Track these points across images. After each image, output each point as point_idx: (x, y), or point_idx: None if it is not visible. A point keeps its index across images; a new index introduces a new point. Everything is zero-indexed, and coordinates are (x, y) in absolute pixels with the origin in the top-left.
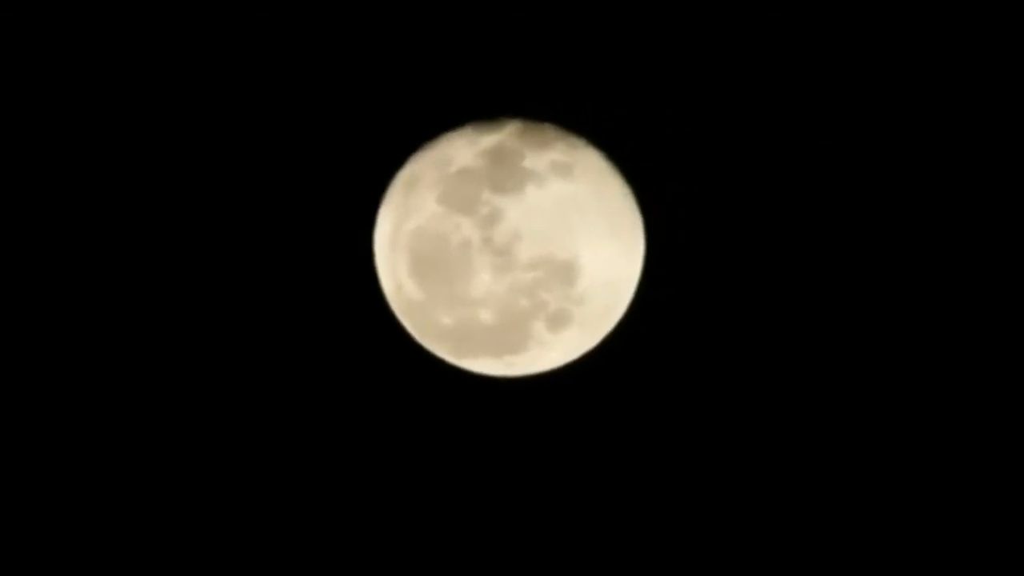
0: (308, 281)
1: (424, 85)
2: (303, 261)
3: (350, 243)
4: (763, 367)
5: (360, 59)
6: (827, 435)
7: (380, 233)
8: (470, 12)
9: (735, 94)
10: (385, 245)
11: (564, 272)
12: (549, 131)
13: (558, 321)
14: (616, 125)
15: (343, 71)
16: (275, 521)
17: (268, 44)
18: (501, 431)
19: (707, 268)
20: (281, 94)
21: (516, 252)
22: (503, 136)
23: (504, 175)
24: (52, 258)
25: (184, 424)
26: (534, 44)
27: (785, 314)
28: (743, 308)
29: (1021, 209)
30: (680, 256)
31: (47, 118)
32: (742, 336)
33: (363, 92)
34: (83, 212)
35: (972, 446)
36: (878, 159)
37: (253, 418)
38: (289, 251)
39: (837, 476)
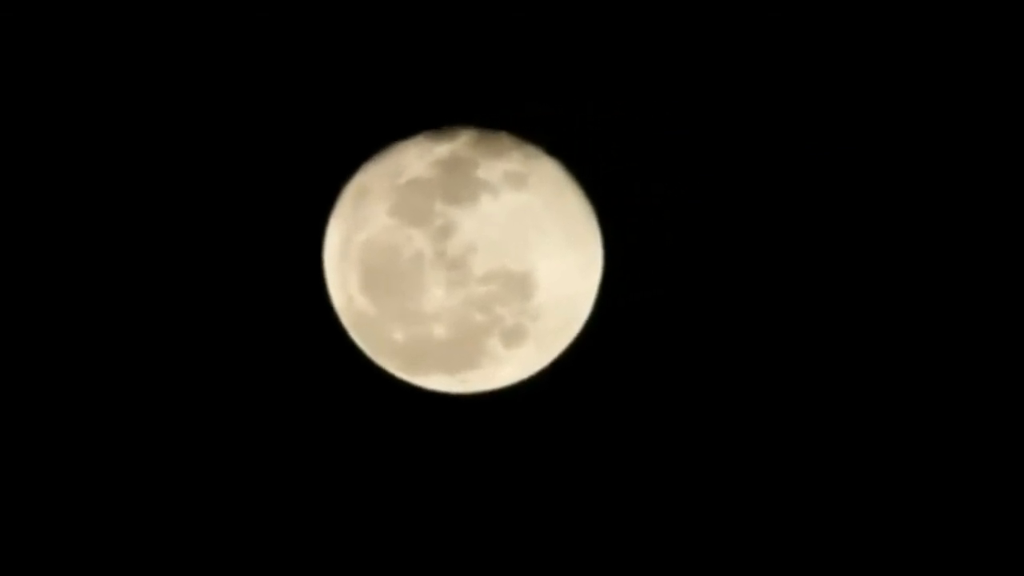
0: (255, 294)
1: (375, 92)
2: (250, 273)
3: (299, 255)
4: (724, 385)
5: (308, 66)
6: (790, 448)
7: (330, 245)
8: (422, 17)
9: (695, 103)
10: (335, 258)
11: (519, 286)
12: (504, 140)
13: (513, 336)
14: (573, 134)
15: (290, 78)
16: (219, 543)
17: (215, 51)
18: (456, 449)
19: (667, 282)
20: (227, 102)
21: (470, 265)
22: (456, 145)
23: (457, 185)
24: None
25: (124, 443)
26: (489, 51)
27: (748, 331)
28: (704, 323)
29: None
30: (639, 269)
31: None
32: (703, 351)
33: (311, 99)
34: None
35: (946, 450)
36: (846, 168)
37: (198, 434)
38: (235, 263)
39: (803, 497)
